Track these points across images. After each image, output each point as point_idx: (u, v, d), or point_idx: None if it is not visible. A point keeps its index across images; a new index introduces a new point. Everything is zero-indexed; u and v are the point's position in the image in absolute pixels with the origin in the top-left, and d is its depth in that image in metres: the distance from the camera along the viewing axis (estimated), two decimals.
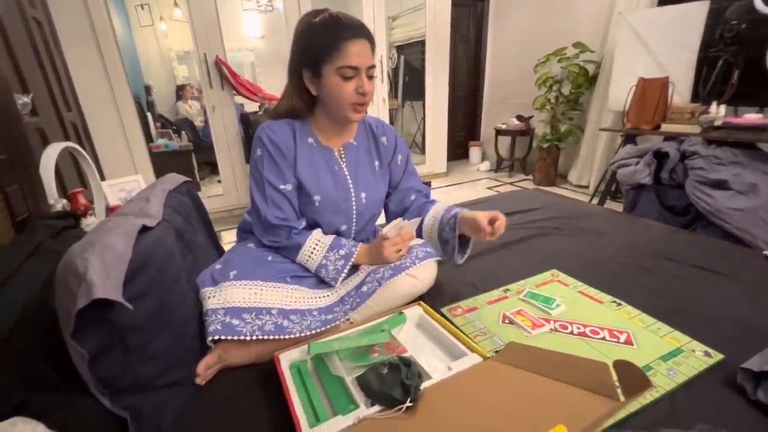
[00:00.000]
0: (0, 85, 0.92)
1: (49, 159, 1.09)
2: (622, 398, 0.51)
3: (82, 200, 1.20)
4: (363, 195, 1.03)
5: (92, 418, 0.59)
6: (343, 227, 1.03)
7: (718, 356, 0.74)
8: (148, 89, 3.85)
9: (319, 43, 0.87)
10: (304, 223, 0.99)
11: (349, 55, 0.86)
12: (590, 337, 0.83)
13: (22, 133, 0.98)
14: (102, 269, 0.54)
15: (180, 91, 4.03)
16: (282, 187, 0.95)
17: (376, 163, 1.07)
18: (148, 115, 3.49)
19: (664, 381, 0.69)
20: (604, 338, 0.82)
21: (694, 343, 0.79)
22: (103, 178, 1.49)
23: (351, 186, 1.01)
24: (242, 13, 4.02)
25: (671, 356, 0.75)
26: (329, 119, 0.98)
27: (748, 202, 1.75)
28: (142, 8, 3.70)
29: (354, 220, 1.04)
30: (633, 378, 0.50)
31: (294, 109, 0.96)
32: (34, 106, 1.29)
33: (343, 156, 1.02)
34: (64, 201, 1.13)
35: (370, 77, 0.91)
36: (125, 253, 0.61)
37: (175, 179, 1.06)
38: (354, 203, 1.02)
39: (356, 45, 0.86)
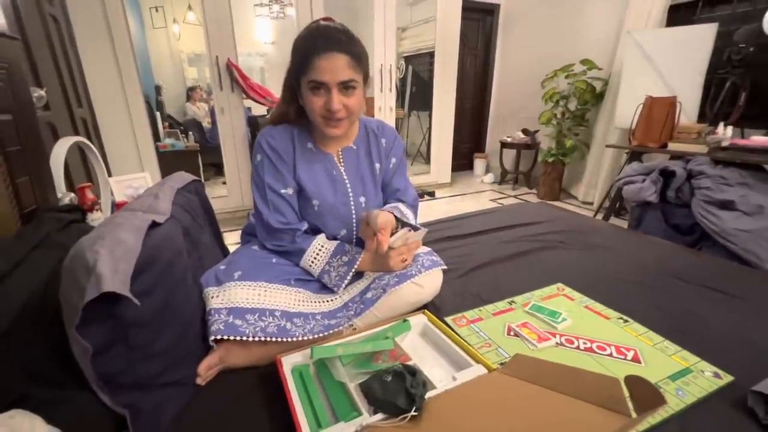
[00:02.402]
0: (18, 78, 0.92)
1: (59, 153, 1.09)
2: (634, 415, 0.49)
3: (89, 195, 1.20)
4: (362, 200, 1.02)
5: (92, 415, 0.58)
6: (343, 232, 1.02)
7: (727, 377, 0.73)
8: (158, 89, 3.89)
9: (297, 55, 0.87)
10: (306, 225, 0.99)
11: (316, 70, 0.82)
12: (597, 353, 0.82)
13: (35, 127, 0.99)
14: (111, 263, 0.54)
15: (189, 93, 4.07)
16: (283, 191, 0.95)
17: (377, 165, 1.06)
18: (157, 114, 3.52)
19: (672, 401, 0.68)
20: (611, 354, 0.81)
21: (702, 363, 0.77)
22: (109, 175, 1.50)
23: (350, 191, 1.01)
24: (254, 19, 4.08)
25: (680, 376, 0.74)
26: None
27: (755, 223, 1.74)
28: (156, 10, 3.76)
29: (354, 225, 1.03)
30: (646, 394, 0.49)
31: (284, 116, 0.96)
32: (47, 101, 1.30)
33: (341, 160, 1.02)
34: (72, 195, 1.13)
35: (347, 89, 0.86)
36: (135, 248, 0.60)
37: (183, 177, 1.06)
38: (353, 209, 1.01)
39: (325, 59, 0.82)
